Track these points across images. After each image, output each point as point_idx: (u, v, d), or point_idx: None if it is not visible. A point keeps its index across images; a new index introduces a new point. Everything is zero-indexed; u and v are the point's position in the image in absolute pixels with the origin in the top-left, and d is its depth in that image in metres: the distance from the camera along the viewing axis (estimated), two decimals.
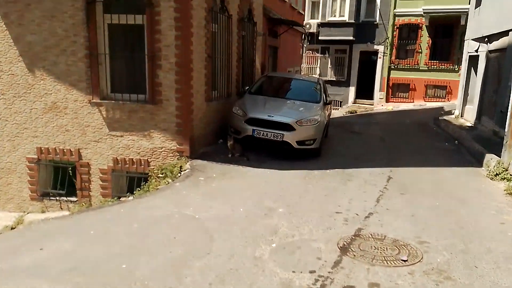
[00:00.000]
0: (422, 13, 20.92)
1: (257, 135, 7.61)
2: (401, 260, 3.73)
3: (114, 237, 4.48)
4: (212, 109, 8.38)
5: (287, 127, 7.58)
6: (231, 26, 9.01)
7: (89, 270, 3.66)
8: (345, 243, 4.14)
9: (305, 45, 23.25)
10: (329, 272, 3.51)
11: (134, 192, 6.71)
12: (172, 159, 7.45)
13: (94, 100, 7.43)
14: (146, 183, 7.01)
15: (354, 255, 3.84)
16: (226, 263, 3.69)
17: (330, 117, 10.68)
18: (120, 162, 7.63)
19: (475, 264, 3.72)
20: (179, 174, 6.79)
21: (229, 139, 7.68)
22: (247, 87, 9.23)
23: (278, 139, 7.55)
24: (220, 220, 4.74)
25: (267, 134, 7.57)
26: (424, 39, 21.93)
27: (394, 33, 22.39)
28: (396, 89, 23.02)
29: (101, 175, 7.77)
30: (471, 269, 3.62)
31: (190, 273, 3.50)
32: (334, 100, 9.41)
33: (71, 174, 7.75)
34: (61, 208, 8.05)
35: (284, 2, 13.90)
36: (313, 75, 22.59)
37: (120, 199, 6.71)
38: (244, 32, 10.18)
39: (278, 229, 4.48)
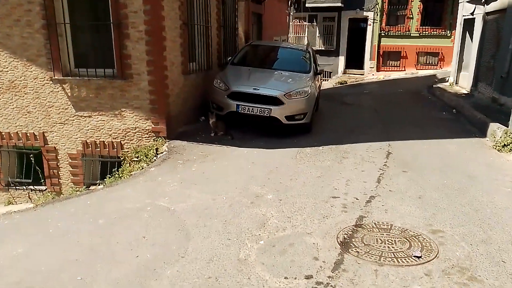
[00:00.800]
0: None
1: (242, 111, 6.87)
2: (414, 256, 3.12)
3: (75, 237, 3.80)
4: (190, 83, 7.58)
5: (275, 101, 6.84)
6: None
7: (37, 285, 2.98)
8: (345, 236, 3.50)
9: (291, 13, 22.16)
10: (329, 277, 2.89)
11: (105, 179, 5.98)
12: (148, 140, 6.70)
13: (56, 77, 6.58)
14: (120, 169, 6.28)
15: (358, 253, 3.22)
16: (204, 269, 3.03)
17: (321, 88, 9.95)
18: (90, 146, 6.86)
19: (502, 258, 3.13)
20: (154, 158, 6.06)
21: (211, 116, 6.93)
22: (230, 58, 8.40)
23: (265, 114, 6.82)
24: (199, 212, 4.07)
25: (253, 109, 6.83)
26: (415, 4, 21.01)
27: None
28: (387, 58, 22.24)
29: (70, 161, 7.01)
30: (499, 265, 3.03)
31: (158, 285, 2.84)
32: (323, 71, 8.58)
33: (33, 160, 6.96)
34: (30, 198, 7.31)
35: None
36: (301, 45, 21.64)
37: (90, 188, 5.99)
38: None
39: (266, 221, 3.83)
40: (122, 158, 6.50)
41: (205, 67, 8.34)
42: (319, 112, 9.14)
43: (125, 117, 6.63)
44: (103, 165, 6.93)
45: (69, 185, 7.13)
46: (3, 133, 6.98)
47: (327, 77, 21.43)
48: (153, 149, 6.21)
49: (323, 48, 22.53)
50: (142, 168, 5.77)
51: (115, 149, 6.81)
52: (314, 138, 7.05)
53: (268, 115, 6.81)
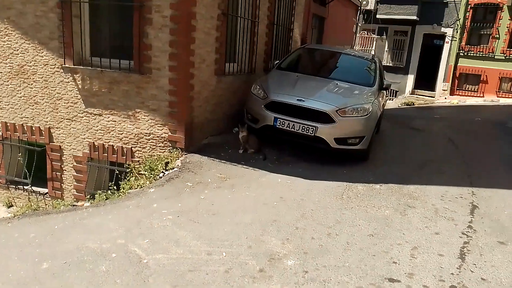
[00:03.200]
0: None
1: (280, 126, 5.45)
2: None
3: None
4: (225, 86, 6.30)
5: (324, 118, 5.35)
6: None
7: None
8: None
9: (359, 24, 20.43)
10: None
11: (99, 194, 4.83)
12: (163, 150, 5.49)
13: (67, 65, 5.60)
14: (122, 182, 5.12)
15: None
16: None
17: (384, 107, 8.26)
18: (98, 149, 5.78)
19: None
20: (162, 173, 4.82)
21: (241, 129, 5.58)
22: (277, 61, 7.03)
23: (309, 133, 5.35)
24: (178, 275, 2.71)
25: (294, 125, 5.39)
26: (504, 23, 18.34)
27: (467, 14, 18.94)
28: (463, 80, 19.69)
29: (75, 164, 5.99)
30: None
31: None
32: (390, 86, 6.94)
33: (35, 159, 6.03)
34: (29, 201, 6.39)
35: None
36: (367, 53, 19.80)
37: (77, 203, 4.88)
38: None
39: None
40: (128, 169, 5.34)
41: (248, 69, 7.04)
42: (380, 136, 7.48)
43: (139, 119, 5.48)
44: (110, 174, 5.82)
45: (72, 191, 6.11)
46: (8, 124, 6.13)
47: (393, 96, 19.40)
48: (161, 163, 4.98)
49: (391, 64, 20.48)
50: (141, 187, 4.54)
51: (125, 156, 5.68)
52: (371, 171, 5.45)
53: (313, 134, 5.33)
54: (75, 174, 6.02)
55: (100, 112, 5.64)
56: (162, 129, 5.41)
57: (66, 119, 5.84)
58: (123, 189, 4.87)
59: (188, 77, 5.25)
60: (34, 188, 6.33)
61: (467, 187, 5.01)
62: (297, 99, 5.45)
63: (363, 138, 5.54)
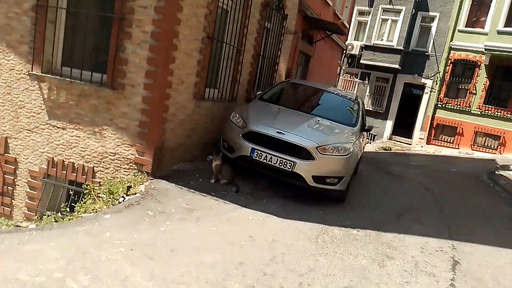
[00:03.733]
0: (484, 49, 18.01)
1: (257, 158, 5.13)
2: None
3: None
4: (203, 112, 5.99)
5: (303, 153, 5.08)
6: (249, 8, 6.68)
7: None
8: None
9: (343, 67, 20.81)
10: None
11: (47, 215, 4.34)
12: (127, 173, 5.06)
13: (34, 72, 5.20)
14: (78, 204, 4.64)
15: None
16: None
17: (364, 150, 8.10)
18: (56, 165, 5.30)
19: None
20: (122, 198, 4.37)
21: (215, 157, 5.23)
22: (260, 92, 6.80)
23: (287, 168, 5.04)
24: None
25: (271, 158, 5.09)
26: (481, 80, 19.00)
27: (447, 68, 19.60)
28: (440, 131, 20.10)
29: (29, 179, 5.47)
30: None
31: None
32: (372, 128, 6.77)
33: None
34: None
35: (328, 6, 11.56)
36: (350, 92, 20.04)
37: (21, 224, 4.37)
38: (269, 24, 7.84)
39: None
40: (87, 190, 4.86)
41: (229, 97, 6.78)
42: (357, 177, 7.25)
43: (105, 137, 5.07)
44: (67, 194, 5.32)
45: (22, 209, 5.55)
46: None
47: (371, 140, 19.52)
48: (123, 187, 4.54)
49: (371, 109, 20.77)
50: (97, 212, 4.08)
51: (85, 176, 5.21)
52: (348, 213, 5.15)
53: (291, 169, 5.03)
54: (28, 190, 5.48)
55: (64, 125, 5.21)
56: (129, 149, 5.00)
57: (26, 129, 5.37)
58: (77, 212, 4.40)
59: (164, 97, 4.92)
60: None
61: (446, 240, 4.75)
62: (277, 131, 5.18)
63: (341, 179, 5.27)
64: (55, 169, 5.29)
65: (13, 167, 5.50)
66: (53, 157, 5.31)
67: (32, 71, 5.18)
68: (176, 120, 5.30)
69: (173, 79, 5.02)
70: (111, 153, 5.07)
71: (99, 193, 4.73)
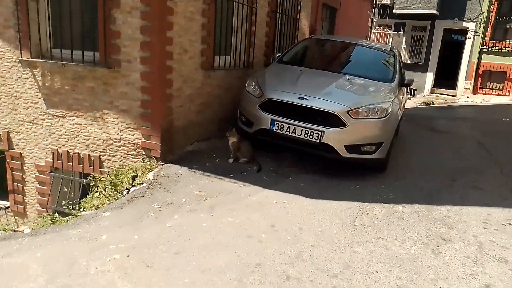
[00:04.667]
0: None
1: (279, 130, 4.44)
2: None
3: None
4: (216, 82, 5.32)
5: (332, 120, 4.32)
6: None
7: None
8: None
9: (375, 20, 19.27)
10: None
11: (43, 217, 3.92)
12: (136, 160, 4.55)
13: (24, 58, 4.70)
14: (83, 200, 4.19)
15: None
16: None
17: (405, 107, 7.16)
18: (61, 157, 4.87)
19: None
20: (126, 190, 3.86)
21: (230, 133, 4.60)
22: (279, 54, 6.01)
23: (313, 139, 4.33)
24: None
25: (295, 129, 4.38)
26: None
27: (492, 7, 17.59)
28: (487, 78, 18.34)
29: (37, 174, 5.09)
30: None
31: None
32: (412, 82, 5.81)
33: None
34: None
35: None
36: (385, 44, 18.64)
37: (18, 228, 3.97)
38: None
39: None
40: (92, 183, 4.40)
41: (244, 63, 6.05)
42: (399, 139, 6.40)
43: (107, 122, 4.55)
44: (76, 187, 4.91)
45: (35, 206, 5.22)
46: None
47: (411, 95, 18.16)
48: (127, 177, 4.02)
49: (409, 62, 19.22)
50: (97, 208, 3.59)
51: (92, 166, 4.76)
52: (391, 185, 4.40)
53: (318, 140, 4.31)
54: (38, 186, 5.12)
55: (64, 113, 4.73)
56: (134, 134, 4.46)
57: (26, 121, 4.95)
58: (81, 209, 3.95)
59: (165, 71, 4.29)
60: None
61: None
62: (299, 98, 4.43)
63: (380, 145, 4.49)
64: (61, 161, 4.87)
65: (20, 163, 5.14)
66: (57, 149, 4.88)
67: (21, 57, 4.69)
68: (184, 95, 4.68)
69: (174, 48, 4.35)
70: (116, 139, 4.56)
71: (106, 185, 4.24)
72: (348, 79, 5.03)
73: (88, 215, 3.42)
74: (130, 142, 4.50)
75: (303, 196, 3.85)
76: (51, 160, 4.92)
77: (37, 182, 5.12)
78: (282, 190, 3.98)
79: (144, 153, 4.48)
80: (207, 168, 4.36)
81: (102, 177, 4.39)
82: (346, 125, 4.30)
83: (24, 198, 5.26)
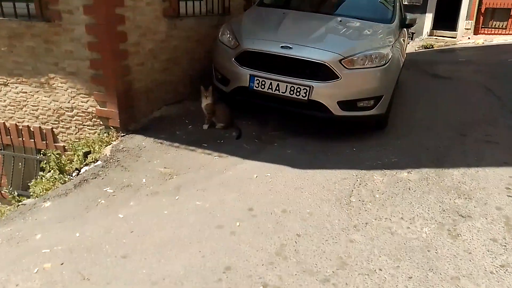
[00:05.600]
0: None
1: (259, 88, 3.72)
2: None
3: None
4: (184, 34, 4.52)
5: (322, 71, 3.60)
6: None
7: None
8: None
9: None
10: None
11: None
12: (92, 131, 3.86)
13: None
14: (31, 183, 3.55)
15: None
16: None
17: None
18: (10, 132, 4.18)
19: None
20: (76, 172, 3.22)
21: (204, 94, 3.88)
22: None
23: (301, 96, 3.62)
24: None
25: (278, 86, 3.66)
26: None
27: None
28: (489, 17, 17.20)
29: None
30: None
31: None
32: (415, 22, 4.98)
33: None
34: None
35: None
36: None
37: None
38: None
39: None
40: (41, 163, 3.73)
41: (219, 9, 5.20)
42: (399, 89, 5.70)
43: (55, 88, 3.82)
44: (31, 166, 4.26)
45: None
46: None
47: (408, 39, 17.10)
48: (77, 155, 3.36)
49: (406, 3, 17.97)
50: (38, 196, 2.96)
51: (45, 141, 4.08)
52: (392, 144, 3.77)
53: (306, 98, 3.61)
54: None
55: (5, 80, 3.98)
56: (87, 100, 3.75)
57: None
58: (29, 195, 3.32)
59: (115, 21, 3.49)
60: None
61: None
62: (282, 46, 3.67)
63: (380, 99, 3.80)
64: (9, 136, 4.19)
65: None
66: (4, 122, 4.18)
67: None
68: (144, 51, 3.91)
69: None
70: (67, 108, 3.85)
71: (60, 165, 3.58)
72: (340, 21, 4.24)
73: (26, 205, 2.79)
74: (84, 110, 3.80)
75: (289, 166, 3.22)
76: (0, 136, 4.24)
77: None
78: (265, 160, 3.35)
79: (101, 123, 3.79)
80: (177, 138, 3.70)
81: (56, 153, 3.71)
82: (338, 78, 3.58)
83: None
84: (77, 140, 3.90)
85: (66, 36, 3.56)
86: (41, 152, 3.82)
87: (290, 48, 3.65)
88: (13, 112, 4.10)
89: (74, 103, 3.80)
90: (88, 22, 3.44)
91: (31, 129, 4.09)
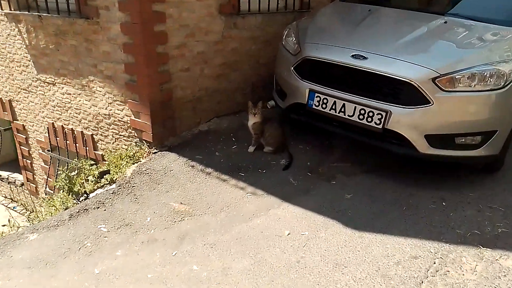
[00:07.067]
0: None
1: (320, 107, 2.88)
2: None
3: None
4: (247, 34, 3.83)
5: (405, 92, 2.61)
6: None
7: None
8: None
9: None
10: None
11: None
12: (128, 143, 3.43)
13: (5, 10, 3.77)
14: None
15: None
16: None
17: None
18: (57, 133, 4.00)
19: None
20: (84, 196, 2.77)
21: (253, 110, 3.14)
22: None
23: (373, 124, 2.69)
24: None
25: (343, 107, 2.78)
26: None
27: None
28: None
29: (40, 151, 4.34)
30: None
31: None
32: None
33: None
34: (4, 196, 5.09)
35: None
36: None
37: None
38: None
39: None
40: (76, 171, 3.41)
41: (296, 4, 4.39)
42: None
43: (94, 92, 3.47)
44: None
45: (44, 187, 4.53)
46: None
47: None
48: (92, 173, 2.92)
49: None
50: (40, 220, 2.58)
51: (86, 147, 3.79)
52: (504, 201, 2.62)
53: (381, 126, 2.66)
54: (43, 165, 4.39)
55: (53, 79, 3.77)
56: (123, 109, 3.31)
57: (23, 89, 4.13)
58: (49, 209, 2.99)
59: (151, 19, 2.96)
60: (14, 176, 4.97)
61: None
62: (353, 55, 2.76)
63: (492, 135, 2.67)
64: (56, 138, 4.00)
65: (24, 136, 4.43)
66: (53, 123, 4.00)
67: (2, 9, 3.77)
68: (191, 54, 3.33)
69: None
70: (105, 114, 3.47)
71: (88, 176, 3.21)
72: (445, 22, 3.12)
73: (12, 235, 2.40)
74: (120, 119, 3.37)
75: (340, 223, 2.34)
76: (47, 136, 4.09)
77: (42, 160, 4.39)
78: (311, 206, 2.52)
79: (136, 135, 3.33)
80: (214, 160, 3.05)
81: (89, 163, 3.36)
82: (430, 103, 2.56)
83: (34, 176, 4.61)
84: (113, 151, 3.51)
85: (104, 35, 3.15)
86: (75, 160, 3.52)
87: (365, 58, 2.72)
88: (60, 113, 3.88)
89: (111, 110, 3.40)
90: (123, 20, 2.97)
91: (75, 132, 3.83)
